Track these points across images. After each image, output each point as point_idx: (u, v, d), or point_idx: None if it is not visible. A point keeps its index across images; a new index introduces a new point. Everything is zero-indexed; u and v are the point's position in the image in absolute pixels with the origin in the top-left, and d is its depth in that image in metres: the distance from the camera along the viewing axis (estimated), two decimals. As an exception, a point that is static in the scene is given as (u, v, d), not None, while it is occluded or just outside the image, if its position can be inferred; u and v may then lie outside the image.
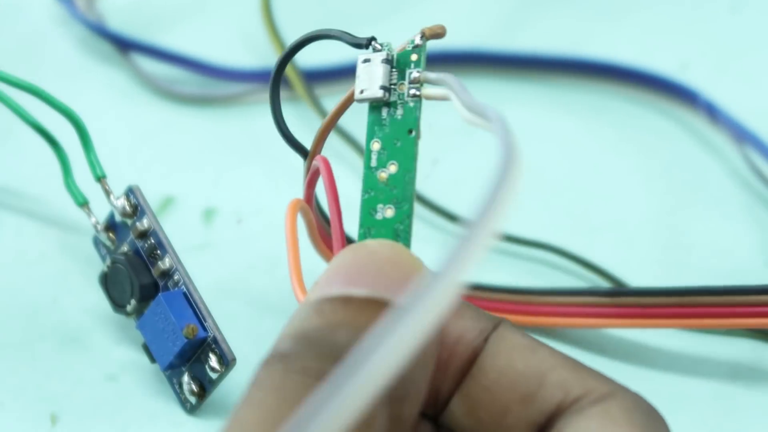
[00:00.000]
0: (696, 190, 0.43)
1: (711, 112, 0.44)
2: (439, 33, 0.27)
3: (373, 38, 0.27)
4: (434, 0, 0.51)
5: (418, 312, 0.17)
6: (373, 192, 0.27)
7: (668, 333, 0.36)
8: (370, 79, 0.27)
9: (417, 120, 0.27)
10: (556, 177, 0.43)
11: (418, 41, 0.27)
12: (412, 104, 0.27)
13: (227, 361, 0.32)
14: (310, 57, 0.42)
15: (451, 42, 0.46)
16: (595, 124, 0.46)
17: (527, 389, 0.24)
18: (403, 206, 0.26)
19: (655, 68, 0.46)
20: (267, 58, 0.48)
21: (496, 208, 0.18)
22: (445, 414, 0.25)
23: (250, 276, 0.38)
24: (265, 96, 0.30)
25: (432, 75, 0.27)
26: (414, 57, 0.27)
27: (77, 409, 0.34)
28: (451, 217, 0.40)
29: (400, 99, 0.27)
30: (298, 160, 0.30)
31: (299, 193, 0.30)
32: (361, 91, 0.27)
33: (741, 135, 0.43)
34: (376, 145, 0.27)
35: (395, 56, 0.27)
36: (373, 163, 0.27)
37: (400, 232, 0.26)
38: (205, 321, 0.32)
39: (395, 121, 0.27)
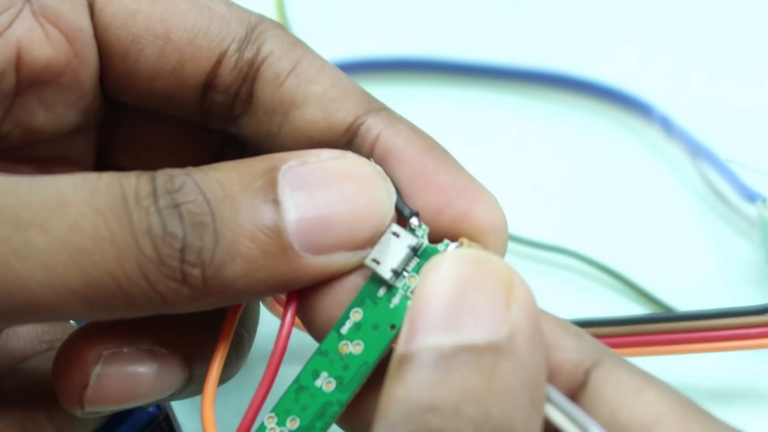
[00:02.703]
0: (649, 202, 0.43)
1: (666, 125, 0.44)
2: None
3: (416, 213, 0.26)
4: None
5: None
6: (327, 356, 0.25)
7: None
8: (388, 255, 0.25)
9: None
10: (511, 178, 0.44)
11: (452, 248, 0.26)
12: (410, 303, 0.25)
13: None
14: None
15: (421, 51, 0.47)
16: (550, 132, 0.46)
17: None
18: (344, 391, 0.25)
19: (614, 81, 0.46)
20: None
21: None
22: None
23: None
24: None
25: None
26: None
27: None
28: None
29: (403, 289, 0.26)
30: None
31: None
32: (374, 261, 0.25)
33: (695, 149, 0.43)
34: (357, 315, 0.25)
35: (425, 247, 0.26)
36: (344, 330, 0.25)
37: (326, 412, 0.25)
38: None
39: (385, 307, 0.25)
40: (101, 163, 0.31)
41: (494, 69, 0.47)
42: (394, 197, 0.26)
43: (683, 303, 0.38)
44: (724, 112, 0.45)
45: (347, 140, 0.27)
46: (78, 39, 0.27)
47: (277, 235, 0.24)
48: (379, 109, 0.27)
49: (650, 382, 0.23)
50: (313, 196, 0.25)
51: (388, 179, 0.26)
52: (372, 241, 0.25)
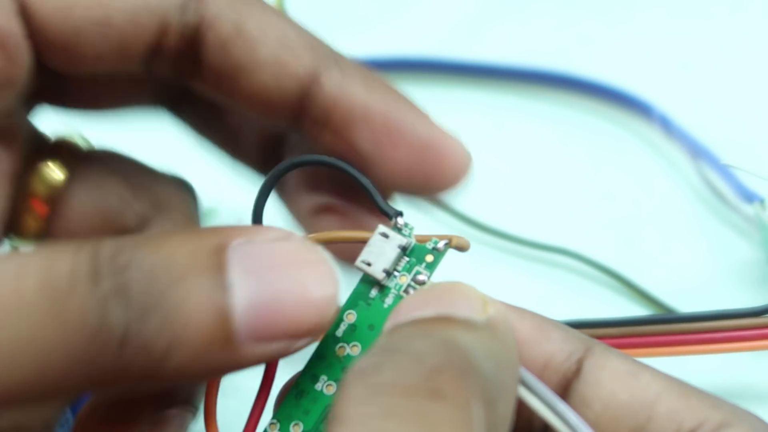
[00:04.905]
0: (649, 202, 0.43)
1: (666, 125, 0.44)
2: (463, 247, 0.26)
3: (401, 213, 0.26)
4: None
5: None
6: (324, 360, 0.25)
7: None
8: (379, 256, 0.25)
9: None
10: (510, 178, 0.44)
11: (440, 246, 0.26)
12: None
13: None
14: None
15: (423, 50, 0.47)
16: (550, 132, 0.46)
17: (635, 422, 0.23)
18: None
19: (614, 81, 0.46)
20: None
21: None
22: None
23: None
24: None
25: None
26: (429, 258, 0.26)
27: None
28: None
29: (395, 289, 0.25)
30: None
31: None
32: (365, 263, 0.25)
33: (695, 150, 0.43)
34: (351, 317, 0.25)
35: (413, 245, 0.26)
36: (339, 332, 0.25)
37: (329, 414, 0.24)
38: None
39: (379, 307, 0.25)
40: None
41: (494, 69, 0.47)
42: (339, 285, 0.24)
43: (682, 303, 0.38)
44: (724, 113, 0.45)
45: (300, 100, 0.27)
46: (8, 44, 0.26)
47: (223, 323, 0.23)
48: (329, 63, 0.27)
49: (642, 366, 0.24)
50: (260, 282, 0.23)
51: (335, 266, 0.24)
52: (313, 332, 0.24)
